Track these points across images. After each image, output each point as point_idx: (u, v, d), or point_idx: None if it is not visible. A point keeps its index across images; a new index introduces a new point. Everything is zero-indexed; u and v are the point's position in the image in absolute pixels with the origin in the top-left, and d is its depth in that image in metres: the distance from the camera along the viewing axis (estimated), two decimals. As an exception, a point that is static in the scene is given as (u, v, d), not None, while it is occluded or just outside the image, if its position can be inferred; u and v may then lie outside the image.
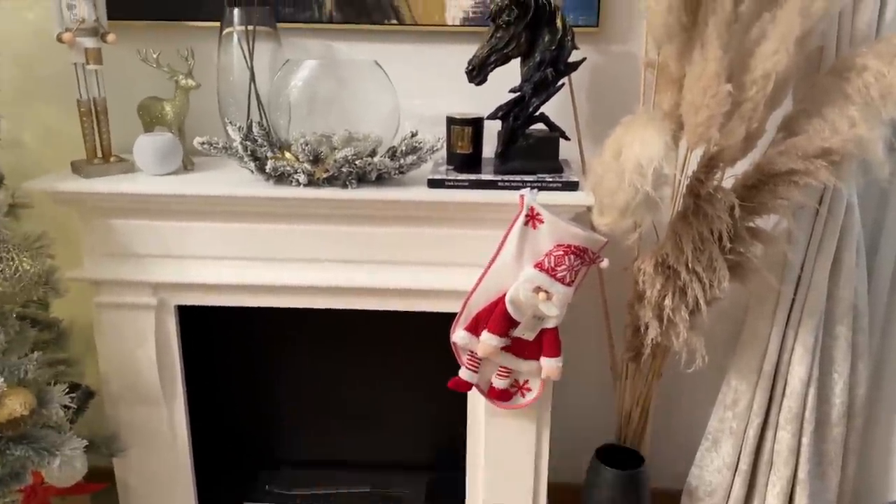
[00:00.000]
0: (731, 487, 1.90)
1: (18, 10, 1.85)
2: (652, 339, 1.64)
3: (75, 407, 1.58)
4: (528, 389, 1.70)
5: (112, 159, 1.69)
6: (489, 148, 1.72)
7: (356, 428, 2.07)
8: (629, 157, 1.27)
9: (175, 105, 1.72)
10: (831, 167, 1.46)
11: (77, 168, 1.67)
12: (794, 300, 1.77)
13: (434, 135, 1.64)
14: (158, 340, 1.76)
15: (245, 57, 1.70)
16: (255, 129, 1.64)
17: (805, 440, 1.83)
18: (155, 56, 1.68)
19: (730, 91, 1.40)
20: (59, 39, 1.57)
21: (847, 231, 1.74)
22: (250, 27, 1.69)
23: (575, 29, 1.64)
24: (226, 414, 2.05)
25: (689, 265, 1.54)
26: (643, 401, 1.92)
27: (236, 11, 1.70)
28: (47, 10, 1.63)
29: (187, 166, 1.73)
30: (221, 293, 1.72)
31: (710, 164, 1.47)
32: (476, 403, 1.79)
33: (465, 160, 1.69)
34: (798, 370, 1.79)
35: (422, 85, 1.83)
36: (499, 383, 1.68)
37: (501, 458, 1.81)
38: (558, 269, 1.54)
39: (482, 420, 1.80)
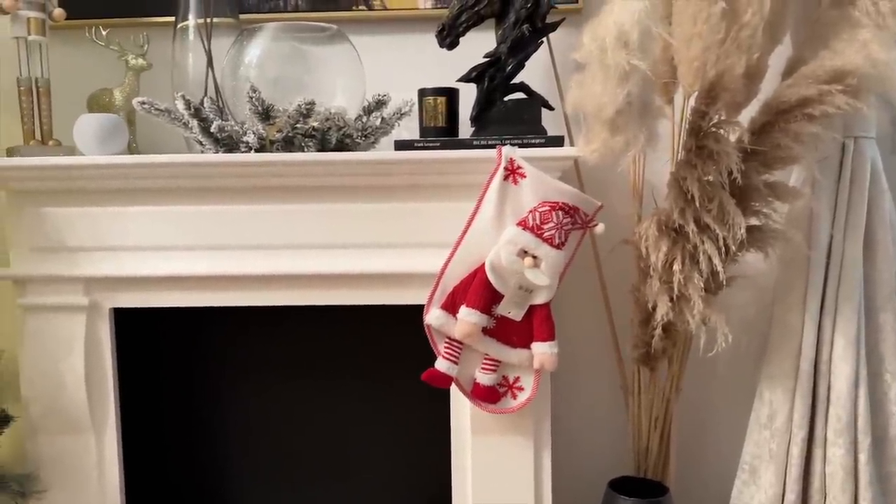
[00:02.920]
0: (780, 528, 1.55)
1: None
2: (662, 318, 1.38)
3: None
4: (520, 389, 1.42)
5: (51, 143, 1.54)
6: (467, 130, 1.56)
7: (324, 477, 1.74)
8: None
9: (124, 90, 1.59)
10: (848, 94, 1.28)
11: (12, 153, 1.51)
12: (826, 284, 1.52)
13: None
14: (88, 351, 1.52)
15: (203, 43, 1.58)
16: (207, 104, 1.49)
17: (862, 457, 1.50)
18: (104, 33, 1.57)
19: (724, 8, 1.25)
20: (0, 8, 1.47)
21: (876, 201, 1.53)
22: (210, 20, 1.58)
23: (556, 6, 1.55)
24: (166, 455, 1.74)
25: (698, 218, 1.32)
26: (662, 422, 1.61)
27: (192, 2, 1.60)
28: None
29: (133, 152, 1.57)
30: (162, 289, 1.50)
31: (711, 94, 1.30)
32: (460, 417, 1.50)
33: (439, 135, 1.52)
34: (842, 368, 1.50)
35: (395, 76, 1.70)
36: (484, 379, 1.40)
37: (493, 488, 1.49)
38: (545, 226, 1.32)
39: (468, 439, 1.50)
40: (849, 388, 1.50)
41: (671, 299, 1.38)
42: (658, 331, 1.42)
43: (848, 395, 1.50)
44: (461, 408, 1.49)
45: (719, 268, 1.33)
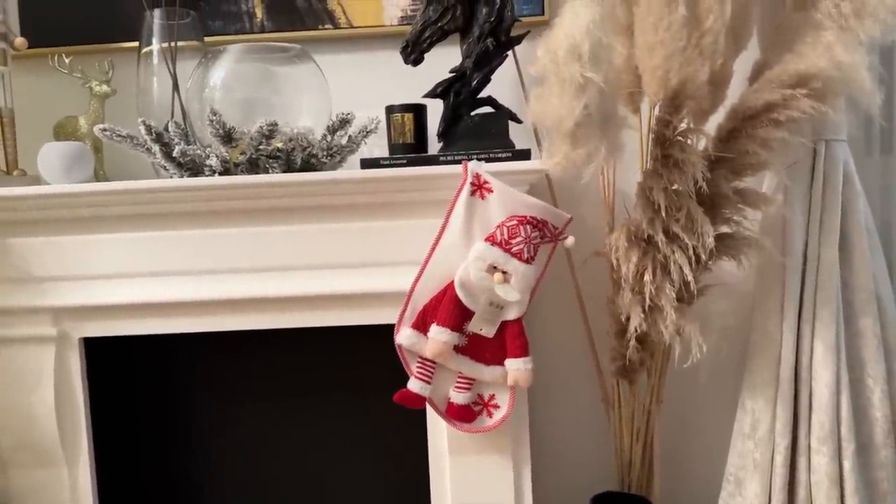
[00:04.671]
0: (767, 540, 1.52)
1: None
2: (636, 330, 1.36)
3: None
4: (496, 406, 1.40)
5: (16, 172, 1.52)
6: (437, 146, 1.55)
7: (303, 502, 1.71)
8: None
9: (89, 117, 1.58)
10: (813, 97, 1.27)
11: (-25, 184, 1.50)
12: (803, 289, 1.50)
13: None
14: (59, 382, 1.49)
15: (168, 66, 1.57)
16: (172, 128, 1.47)
17: (847, 464, 1.47)
18: (67, 61, 1.56)
19: (684, 15, 1.24)
20: (-40, 40, 1.47)
21: (851, 205, 1.51)
22: (174, 44, 1.57)
23: (521, 19, 1.54)
24: (142, 485, 1.71)
25: (667, 228, 1.31)
26: (644, 435, 1.59)
27: (156, 27, 1.59)
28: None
29: (100, 180, 1.56)
30: (132, 317, 1.48)
31: (674, 103, 1.28)
32: (437, 437, 1.48)
33: (407, 152, 1.51)
34: (822, 374, 1.48)
35: (364, 94, 1.69)
36: (458, 398, 1.38)
37: (473, 508, 1.47)
38: (513, 241, 1.31)
39: (446, 460, 1.47)
40: (830, 395, 1.47)
41: (644, 310, 1.36)
42: (633, 342, 1.40)
43: (830, 401, 1.47)
44: (438, 428, 1.46)
45: (690, 277, 1.31)
